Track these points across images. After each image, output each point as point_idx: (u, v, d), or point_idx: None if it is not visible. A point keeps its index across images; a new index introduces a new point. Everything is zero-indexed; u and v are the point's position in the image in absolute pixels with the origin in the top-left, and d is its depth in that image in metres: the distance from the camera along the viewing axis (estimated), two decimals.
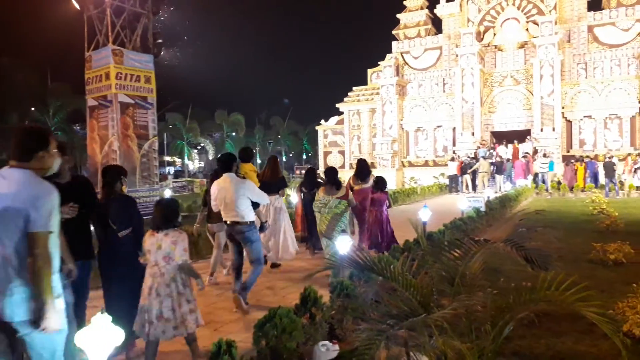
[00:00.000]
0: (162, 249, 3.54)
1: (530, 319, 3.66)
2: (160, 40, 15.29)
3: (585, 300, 2.58)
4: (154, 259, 3.55)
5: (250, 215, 5.06)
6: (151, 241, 3.59)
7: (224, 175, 5.18)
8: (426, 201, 16.61)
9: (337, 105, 31.29)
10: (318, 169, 9.74)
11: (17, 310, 2.34)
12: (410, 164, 28.26)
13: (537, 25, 24.33)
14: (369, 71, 31.08)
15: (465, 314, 2.80)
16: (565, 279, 2.69)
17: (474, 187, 21.22)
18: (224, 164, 5.24)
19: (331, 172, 6.20)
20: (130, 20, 14.74)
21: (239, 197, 4.99)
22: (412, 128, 28.64)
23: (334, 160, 31.09)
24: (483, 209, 10.74)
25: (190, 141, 52.66)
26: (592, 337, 3.95)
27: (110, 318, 2.28)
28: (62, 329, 2.46)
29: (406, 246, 6.03)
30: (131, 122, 14.14)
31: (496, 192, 16.81)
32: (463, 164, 21.80)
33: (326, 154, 32.18)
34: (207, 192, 5.97)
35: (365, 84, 31.19)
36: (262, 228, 5.56)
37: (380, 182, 7.98)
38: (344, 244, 5.01)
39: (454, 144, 26.78)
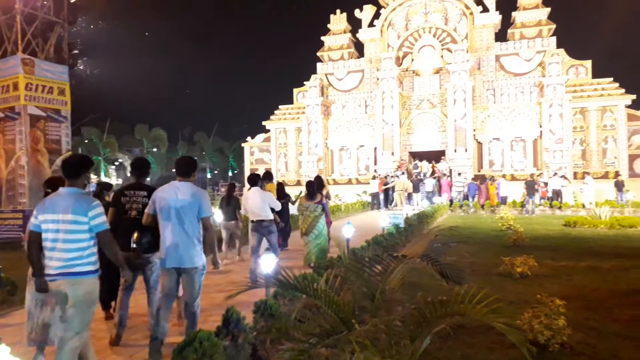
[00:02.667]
0: None
1: (447, 332, 3.82)
2: (76, 51, 14.53)
3: (495, 312, 2.71)
4: None
5: (270, 216, 7.24)
6: None
7: (253, 188, 7.38)
8: (349, 218, 16.95)
9: (264, 123, 31.37)
10: (244, 186, 10.92)
11: (196, 259, 4.04)
12: (335, 182, 28.77)
13: (451, 52, 26.00)
14: (295, 90, 31.46)
15: (385, 330, 2.86)
16: (478, 292, 2.84)
17: (387, 203, 22.12)
18: (252, 180, 7.54)
19: (310, 184, 8.22)
20: (43, 28, 13.87)
21: (264, 203, 7.17)
22: (337, 147, 29.29)
23: None
24: (402, 225, 11.12)
25: (108, 157, 50.06)
26: (503, 347, 4.18)
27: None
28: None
29: (330, 263, 6.09)
30: (42, 135, 13.22)
31: (414, 209, 17.52)
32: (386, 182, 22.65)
33: (252, 171, 31.90)
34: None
35: (292, 102, 31.51)
36: (277, 226, 7.64)
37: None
38: (268, 263, 4.97)
39: (375, 163, 27.67)
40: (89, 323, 3.37)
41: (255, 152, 32.24)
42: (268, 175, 8.59)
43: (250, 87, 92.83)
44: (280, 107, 31.62)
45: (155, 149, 51.95)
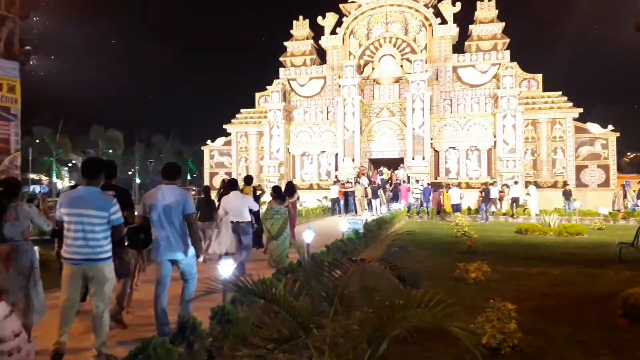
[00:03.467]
0: None
1: (404, 336, 3.86)
2: (28, 47, 13.88)
3: (451, 316, 2.76)
4: None
5: (247, 218, 7.82)
6: None
7: (233, 192, 7.94)
8: (310, 223, 16.93)
9: (225, 126, 31.05)
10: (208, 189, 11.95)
11: (187, 250, 4.71)
12: (297, 187, 28.68)
13: (410, 62, 26.57)
14: (257, 95, 31.30)
15: (343, 334, 2.86)
16: (434, 296, 2.89)
17: (347, 209, 22.30)
18: (232, 185, 8.14)
19: (278, 189, 9.46)
20: None
21: (243, 206, 7.78)
22: (298, 152, 29.28)
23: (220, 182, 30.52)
24: (362, 230, 11.22)
25: (60, 158, 48.10)
26: (458, 350, 4.25)
27: None
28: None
29: (290, 267, 6.06)
30: None
31: (373, 215, 17.71)
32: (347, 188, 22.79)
33: (212, 174, 31.48)
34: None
35: (254, 107, 31.29)
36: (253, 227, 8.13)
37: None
38: (226, 267, 4.90)
39: (336, 169, 27.83)
40: (109, 297, 4.19)
41: (216, 156, 31.81)
42: (249, 179, 10.57)
43: (211, 89, 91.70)
44: (242, 110, 31.36)
45: (110, 151, 50.33)
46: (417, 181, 23.34)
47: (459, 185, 24.66)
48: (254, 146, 30.60)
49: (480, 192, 20.78)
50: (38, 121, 40.92)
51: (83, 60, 68.26)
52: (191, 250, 4.78)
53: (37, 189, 50.45)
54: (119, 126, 51.07)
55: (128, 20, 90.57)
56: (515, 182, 23.44)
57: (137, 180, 53.90)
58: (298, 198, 12.89)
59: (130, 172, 54.40)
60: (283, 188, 11.07)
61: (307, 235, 8.16)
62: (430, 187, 23.02)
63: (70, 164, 52.99)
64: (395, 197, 23.63)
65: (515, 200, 21.80)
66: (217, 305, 4.20)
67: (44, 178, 52.67)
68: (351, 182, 23.74)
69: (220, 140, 31.83)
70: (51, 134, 45.77)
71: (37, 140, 45.44)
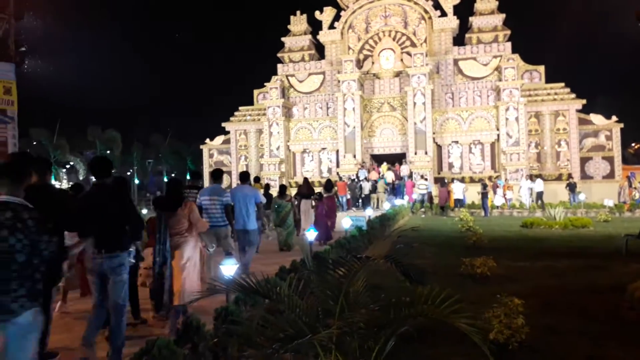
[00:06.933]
0: None
1: (410, 333, 3.82)
2: (24, 48, 13.84)
3: (457, 312, 2.73)
4: None
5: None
6: None
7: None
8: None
9: (223, 124, 30.86)
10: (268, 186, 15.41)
11: (251, 225, 7.43)
12: (297, 185, 28.61)
13: (410, 56, 26.41)
14: (255, 92, 31.11)
15: (350, 332, 2.83)
16: (440, 293, 2.84)
17: (353, 205, 22.14)
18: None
19: (284, 188, 11.77)
20: None
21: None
22: (299, 149, 29.18)
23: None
24: (365, 228, 11.16)
25: (58, 159, 47.97)
26: (465, 346, 4.20)
27: None
28: None
29: (293, 266, 6.02)
30: None
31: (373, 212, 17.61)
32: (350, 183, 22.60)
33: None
34: None
35: (252, 104, 31.15)
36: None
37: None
38: (229, 268, 4.85)
39: (337, 166, 27.73)
40: None
41: (215, 154, 31.66)
42: (257, 179, 13.01)
43: (208, 87, 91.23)
44: (240, 108, 31.18)
45: (108, 151, 50.09)
46: (422, 176, 23.19)
47: (462, 179, 24.55)
48: (253, 144, 30.46)
49: (483, 187, 20.69)
50: (35, 123, 40.69)
51: (78, 60, 68.06)
52: (256, 225, 7.60)
53: None
54: (116, 126, 50.79)
55: (123, 18, 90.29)
56: (539, 176, 23.36)
57: (136, 181, 53.72)
58: (335, 193, 15.54)
59: (129, 173, 54.25)
60: (301, 184, 13.87)
61: (310, 234, 8.12)
62: (435, 183, 22.89)
63: (68, 166, 52.84)
64: (395, 193, 23.41)
65: (539, 195, 21.65)
66: (220, 305, 4.16)
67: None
68: (356, 180, 23.38)
69: (219, 139, 31.57)
70: (48, 136, 45.59)
71: (35, 142, 45.28)
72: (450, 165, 26.69)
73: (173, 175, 55.22)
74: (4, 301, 2.60)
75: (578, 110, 25.56)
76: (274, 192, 14.22)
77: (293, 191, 26.91)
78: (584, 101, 25.48)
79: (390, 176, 24.36)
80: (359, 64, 27.96)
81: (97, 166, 4.29)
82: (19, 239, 2.64)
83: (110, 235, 4.09)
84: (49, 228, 2.90)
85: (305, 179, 13.67)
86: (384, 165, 26.38)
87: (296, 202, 12.44)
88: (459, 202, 21.48)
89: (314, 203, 12.63)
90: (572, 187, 21.95)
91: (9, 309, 2.61)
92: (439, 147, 26.85)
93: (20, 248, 2.65)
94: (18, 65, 13.57)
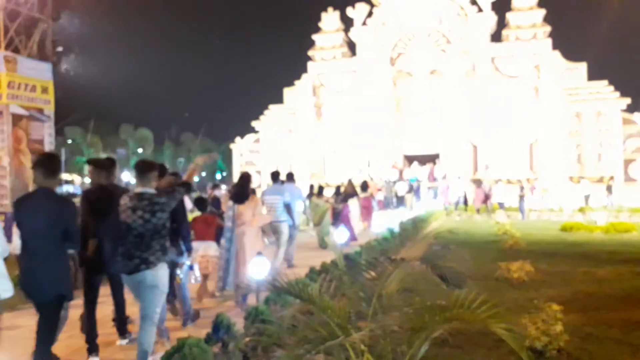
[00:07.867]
0: None
1: (444, 337, 3.72)
2: (60, 48, 14.28)
3: (494, 317, 2.64)
4: None
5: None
6: None
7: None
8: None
9: (253, 123, 30.48)
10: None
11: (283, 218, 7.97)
12: (328, 186, 28.44)
13: (445, 53, 25.88)
14: (285, 90, 30.47)
15: (383, 335, 2.78)
16: (476, 297, 2.75)
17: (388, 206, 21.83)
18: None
19: (321, 189, 12.35)
20: (26, 25, 13.57)
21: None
22: (329, 149, 28.94)
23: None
24: (397, 230, 10.98)
25: (92, 158, 49.19)
26: (500, 353, 4.10)
27: None
28: None
29: (324, 267, 5.98)
30: (24, 135, 12.95)
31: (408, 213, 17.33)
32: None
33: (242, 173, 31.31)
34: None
35: (282, 102, 30.61)
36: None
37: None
38: (260, 268, 4.85)
39: (369, 166, 27.44)
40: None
41: (245, 154, 31.30)
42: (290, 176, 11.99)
43: (239, 85, 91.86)
44: (270, 107, 30.58)
45: (140, 150, 50.93)
46: (459, 178, 22.69)
47: (499, 181, 23.90)
48: (283, 143, 29.97)
49: (521, 189, 20.10)
50: (70, 121, 41.78)
51: (112, 59, 69.72)
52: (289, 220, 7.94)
53: (70, 189, 51.77)
54: (148, 124, 51.23)
55: (156, 18, 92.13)
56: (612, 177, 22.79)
57: None
58: (371, 194, 15.35)
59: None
60: (341, 187, 14.46)
61: (340, 235, 8.13)
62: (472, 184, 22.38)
63: None
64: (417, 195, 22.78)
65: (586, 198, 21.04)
66: (250, 305, 4.17)
67: (77, 178, 53.93)
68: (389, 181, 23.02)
69: (249, 138, 31.17)
70: (82, 134, 46.62)
71: (69, 141, 46.40)
72: (487, 166, 26.04)
73: (220, 173, 55.73)
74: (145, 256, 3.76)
75: (622, 110, 24.53)
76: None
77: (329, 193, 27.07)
78: (629, 100, 24.40)
79: (411, 176, 23.70)
80: (392, 61, 27.58)
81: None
82: (159, 218, 3.80)
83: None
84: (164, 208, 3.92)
85: (349, 180, 14.64)
86: (412, 166, 26.00)
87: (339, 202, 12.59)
88: (500, 205, 20.70)
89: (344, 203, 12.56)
90: (609, 190, 21.21)
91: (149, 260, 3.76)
92: (475, 148, 26.24)
93: (156, 222, 3.79)
94: (55, 65, 13.97)
